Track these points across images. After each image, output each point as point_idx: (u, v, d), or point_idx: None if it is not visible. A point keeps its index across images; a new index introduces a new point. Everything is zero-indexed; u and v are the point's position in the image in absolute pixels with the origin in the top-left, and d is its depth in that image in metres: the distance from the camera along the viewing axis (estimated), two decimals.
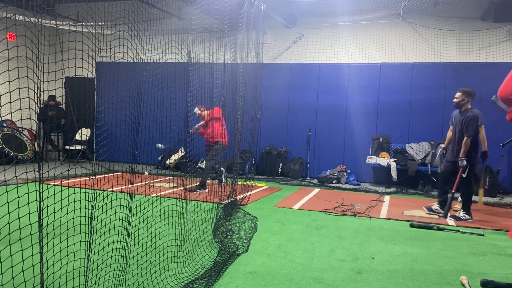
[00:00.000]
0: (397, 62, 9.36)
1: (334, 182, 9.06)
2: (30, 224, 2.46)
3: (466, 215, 6.05)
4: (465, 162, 5.84)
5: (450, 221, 5.97)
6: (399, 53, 9.38)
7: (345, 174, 9.31)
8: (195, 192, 7.23)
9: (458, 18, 8.86)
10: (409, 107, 9.27)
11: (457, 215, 6.14)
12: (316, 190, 8.43)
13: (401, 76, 9.31)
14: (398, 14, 9.00)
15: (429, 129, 9.00)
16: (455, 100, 6.13)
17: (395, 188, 8.61)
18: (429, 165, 8.56)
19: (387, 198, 7.75)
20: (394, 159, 8.79)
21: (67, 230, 2.94)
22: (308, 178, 9.84)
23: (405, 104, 9.28)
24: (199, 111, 7.73)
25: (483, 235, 5.27)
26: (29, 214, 2.43)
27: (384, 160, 8.85)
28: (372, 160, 9.01)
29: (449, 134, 6.91)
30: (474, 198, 6.28)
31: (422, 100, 9.11)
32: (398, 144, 9.27)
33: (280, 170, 9.85)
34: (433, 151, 8.64)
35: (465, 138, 5.85)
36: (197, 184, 7.58)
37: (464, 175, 5.93)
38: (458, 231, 5.44)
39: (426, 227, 5.55)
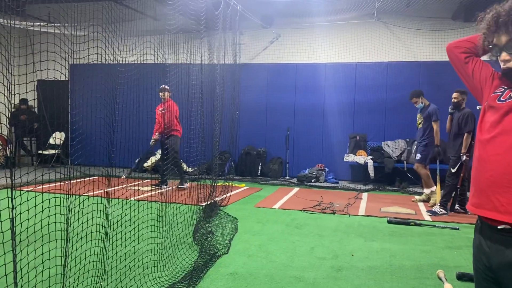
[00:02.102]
0: (372, 62, 9.49)
1: (313, 181, 9.13)
2: (2, 232, 2.38)
3: (442, 210, 6.19)
4: (464, 157, 5.98)
5: (427, 217, 6.10)
6: (374, 52, 9.52)
7: (323, 172, 9.39)
8: (157, 188, 7.31)
9: (430, 18, 9.05)
10: (384, 106, 9.43)
11: (433, 210, 6.28)
12: (296, 189, 8.48)
13: (376, 75, 9.45)
14: (372, 14, 9.13)
15: (404, 126, 9.16)
16: (454, 100, 6.26)
17: (372, 185, 8.73)
18: (405, 162, 8.72)
19: (365, 195, 7.85)
20: (371, 157, 8.92)
21: (42, 237, 2.86)
22: (287, 177, 9.87)
23: (380, 103, 9.43)
24: (167, 90, 7.51)
25: (458, 229, 5.40)
26: (1, 221, 2.35)
27: (361, 158, 8.97)
28: (349, 158, 9.12)
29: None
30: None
31: (397, 99, 9.27)
32: (374, 142, 9.40)
33: (259, 170, 9.85)
34: (408, 148, 8.81)
35: (466, 134, 5.99)
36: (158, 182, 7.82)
37: (453, 170, 6.09)
38: (434, 226, 5.56)
39: (404, 223, 5.65)
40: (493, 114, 1.62)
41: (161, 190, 7.28)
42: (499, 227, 1.53)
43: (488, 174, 1.57)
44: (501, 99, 1.63)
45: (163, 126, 7.47)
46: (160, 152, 10.08)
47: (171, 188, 7.58)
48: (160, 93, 7.55)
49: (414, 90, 7.21)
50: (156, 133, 7.63)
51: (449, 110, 6.33)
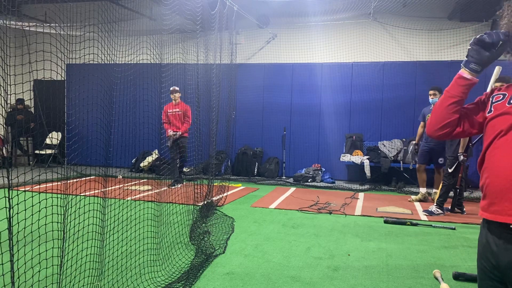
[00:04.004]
0: (369, 61, 9.52)
1: (309, 180, 9.14)
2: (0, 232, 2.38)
3: (438, 210, 6.22)
4: (462, 157, 6.00)
5: (423, 216, 6.12)
6: (370, 52, 9.54)
7: (320, 172, 9.41)
8: (173, 188, 7.39)
9: (426, 18, 9.09)
10: (380, 105, 9.45)
11: (429, 209, 6.30)
12: (292, 189, 8.49)
13: (372, 75, 9.48)
14: (368, 14, 9.16)
15: (400, 126, 9.20)
16: None
17: (369, 185, 8.76)
18: (401, 162, 8.74)
19: (361, 195, 7.87)
20: (367, 157, 8.95)
21: (39, 236, 2.86)
22: (284, 177, 9.89)
23: (377, 103, 9.46)
24: (177, 91, 7.78)
25: (454, 229, 5.42)
26: None
27: (357, 158, 8.99)
28: (346, 158, 9.14)
29: (420, 130, 7.23)
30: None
31: (393, 98, 9.31)
32: (371, 142, 9.43)
33: (256, 170, 9.86)
34: (405, 148, 8.84)
35: None
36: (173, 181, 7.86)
37: (450, 170, 6.11)
38: (431, 225, 5.58)
39: (400, 223, 5.67)
40: (508, 119, 1.58)
41: (176, 187, 7.46)
42: (511, 225, 1.50)
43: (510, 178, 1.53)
44: (511, 102, 1.61)
45: (179, 126, 7.81)
46: (157, 152, 10.09)
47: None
48: (171, 95, 7.78)
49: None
50: (170, 132, 7.83)
51: None
